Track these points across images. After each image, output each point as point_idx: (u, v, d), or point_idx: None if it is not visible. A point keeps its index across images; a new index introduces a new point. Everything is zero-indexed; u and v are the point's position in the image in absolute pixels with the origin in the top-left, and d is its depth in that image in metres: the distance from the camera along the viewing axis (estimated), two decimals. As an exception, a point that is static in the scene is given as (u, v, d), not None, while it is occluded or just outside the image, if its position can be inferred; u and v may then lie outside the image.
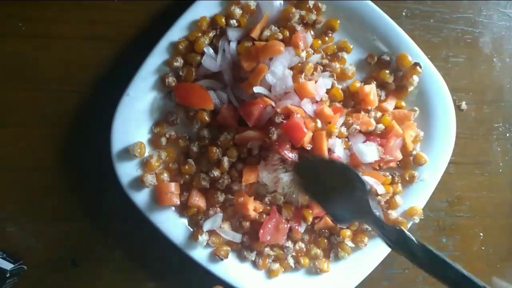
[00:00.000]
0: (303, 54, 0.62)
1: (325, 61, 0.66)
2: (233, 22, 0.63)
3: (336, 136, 0.62)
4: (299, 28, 0.63)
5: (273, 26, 0.63)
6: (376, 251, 0.66)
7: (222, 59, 0.63)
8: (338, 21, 0.66)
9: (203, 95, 0.62)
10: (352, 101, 0.67)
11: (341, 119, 0.63)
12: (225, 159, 0.62)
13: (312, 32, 0.65)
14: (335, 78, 0.66)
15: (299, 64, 0.63)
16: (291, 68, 0.63)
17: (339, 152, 0.62)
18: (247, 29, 0.64)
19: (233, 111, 0.63)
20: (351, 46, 0.67)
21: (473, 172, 0.74)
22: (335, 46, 0.67)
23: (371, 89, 0.65)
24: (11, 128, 0.66)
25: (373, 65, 0.67)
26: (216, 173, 0.62)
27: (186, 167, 0.63)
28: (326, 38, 0.66)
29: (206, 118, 0.63)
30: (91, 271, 0.68)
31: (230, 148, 0.63)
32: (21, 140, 0.66)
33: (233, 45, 0.63)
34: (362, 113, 0.65)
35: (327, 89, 0.65)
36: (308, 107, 0.62)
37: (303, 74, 0.63)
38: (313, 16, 0.64)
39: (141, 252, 0.68)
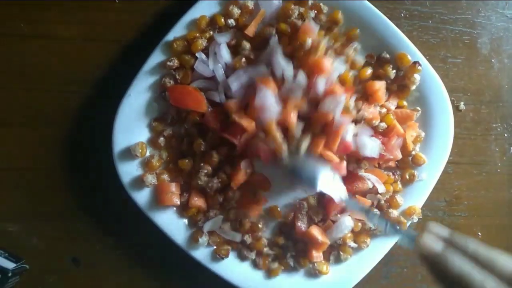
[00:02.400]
0: (309, 41, 0.61)
1: (337, 45, 0.65)
2: (231, 21, 0.64)
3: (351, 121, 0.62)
4: (300, 23, 0.62)
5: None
6: (375, 250, 0.67)
7: (214, 62, 0.63)
8: (340, 12, 0.65)
9: (197, 98, 0.62)
10: (360, 86, 0.66)
11: (352, 100, 0.63)
12: (214, 153, 0.63)
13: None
14: (348, 64, 0.65)
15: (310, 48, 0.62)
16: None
17: (349, 138, 0.61)
18: (236, 30, 0.64)
19: (217, 115, 0.63)
20: (357, 31, 0.66)
21: (471, 172, 0.75)
22: (344, 38, 0.66)
23: (381, 86, 0.64)
24: (11, 128, 0.67)
25: (373, 64, 0.67)
26: (205, 170, 0.62)
27: (186, 161, 0.63)
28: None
29: (198, 119, 0.63)
30: (92, 270, 0.68)
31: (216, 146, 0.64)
32: (21, 140, 0.67)
33: (223, 48, 0.63)
34: (372, 107, 0.65)
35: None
36: (321, 85, 0.60)
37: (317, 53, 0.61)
38: (312, 14, 0.64)
39: (141, 252, 0.69)
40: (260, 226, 0.65)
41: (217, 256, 0.64)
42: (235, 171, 0.62)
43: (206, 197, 0.64)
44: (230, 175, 0.62)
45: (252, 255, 0.65)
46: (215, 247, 0.64)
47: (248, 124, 0.60)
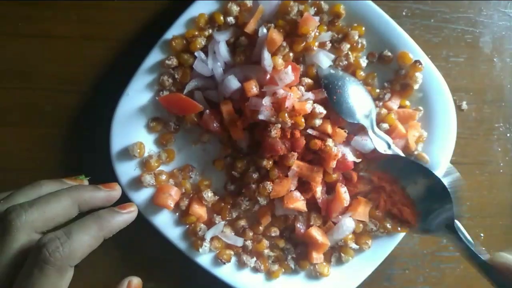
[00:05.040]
0: (312, 34, 0.62)
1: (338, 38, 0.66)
2: (231, 19, 0.63)
3: None
4: (300, 19, 0.62)
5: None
6: (377, 251, 0.66)
7: (213, 61, 0.63)
8: (342, 6, 0.64)
9: (189, 103, 0.62)
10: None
11: None
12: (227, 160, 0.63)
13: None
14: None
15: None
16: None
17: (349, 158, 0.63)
18: (235, 28, 0.64)
19: (215, 115, 0.63)
20: (363, 29, 0.66)
21: (474, 172, 0.74)
22: (348, 29, 0.66)
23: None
24: (11, 128, 0.66)
25: (375, 63, 0.67)
26: (209, 194, 0.63)
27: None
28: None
29: (195, 119, 0.63)
30: (91, 271, 0.67)
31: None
32: (21, 140, 0.66)
33: (222, 45, 0.63)
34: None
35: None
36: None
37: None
38: (312, 11, 0.64)
39: (141, 253, 0.68)
40: (261, 228, 0.65)
41: (219, 260, 0.63)
42: (278, 181, 0.61)
43: (213, 208, 0.65)
44: (273, 187, 0.61)
45: (252, 262, 0.64)
46: (216, 251, 0.64)
47: (237, 135, 0.63)
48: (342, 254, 0.65)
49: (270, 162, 0.61)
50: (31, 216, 0.39)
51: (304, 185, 0.63)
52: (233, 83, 0.61)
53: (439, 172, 0.59)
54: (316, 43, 0.64)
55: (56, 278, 0.38)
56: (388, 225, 0.65)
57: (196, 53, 0.63)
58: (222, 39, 0.62)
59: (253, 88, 0.60)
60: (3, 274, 0.38)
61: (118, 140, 0.62)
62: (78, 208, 0.44)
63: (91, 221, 0.41)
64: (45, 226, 0.41)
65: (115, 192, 0.48)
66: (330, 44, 0.65)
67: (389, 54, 0.66)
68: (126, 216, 0.45)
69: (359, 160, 0.63)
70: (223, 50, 0.62)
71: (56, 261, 0.37)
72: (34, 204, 0.40)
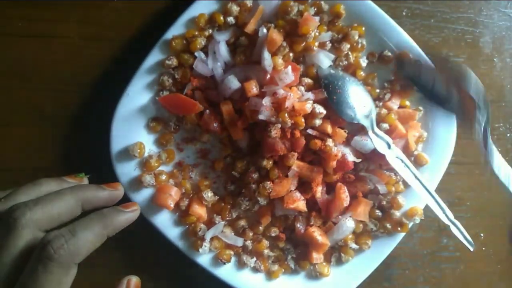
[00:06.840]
0: (312, 34, 0.62)
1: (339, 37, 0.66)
2: (231, 19, 0.63)
3: None
4: (300, 19, 0.62)
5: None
6: (377, 251, 0.66)
7: (213, 61, 0.63)
8: (342, 6, 0.64)
9: (189, 103, 0.62)
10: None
11: None
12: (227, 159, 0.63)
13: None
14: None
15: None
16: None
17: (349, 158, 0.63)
18: (235, 28, 0.64)
19: (216, 116, 0.63)
20: (363, 29, 0.66)
21: (474, 172, 0.74)
22: (348, 29, 0.66)
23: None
24: (11, 128, 0.66)
25: (375, 63, 0.67)
26: (209, 194, 0.63)
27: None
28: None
29: (195, 119, 0.63)
30: (90, 272, 0.67)
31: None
32: (21, 140, 0.66)
33: (222, 46, 0.63)
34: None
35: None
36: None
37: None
38: (312, 11, 0.64)
39: (141, 253, 0.68)
40: (261, 228, 0.64)
41: (219, 260, 0.63)
42: (278, 181, 0.61)
43: (213, 208, 0.65)
44: (273, 187, 0.61)
45: (252, 262, 0.64)
46: (216, 251, 0.64)
47: (237, 135, 0.63)
48: (342, 254, 0.65)
49: (270, 162, 0.61)
50: (36, 214, 0.40)
51: (304, 185, 0.63)
52: (233, 83, 0.61)
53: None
54: (316, 43, 0.64)
55: (60, 275, 0.38)
56: (388, 225, 0.65)
57: (196, 53, 0.62)
58: (222, 39, 0.62)
59: (253, 88, 0.60)
60: (7, 271, 0.38)
61: (118, 140, 0.62)
62: (81, 207, 0.44)
63: (95, 219, 0.42)
64: (49, 224, 0.41)
65: (118, 192, 0.48)
66: (330, 44, 0.65)
67: (389, 54, 0.66)
68: (129, 215, 0.45)
69: (359, 160, 0.63)
70: (223, 50, 0.62)
71: (61, 258, 0.37)
72: (39, 203, 0.40)
